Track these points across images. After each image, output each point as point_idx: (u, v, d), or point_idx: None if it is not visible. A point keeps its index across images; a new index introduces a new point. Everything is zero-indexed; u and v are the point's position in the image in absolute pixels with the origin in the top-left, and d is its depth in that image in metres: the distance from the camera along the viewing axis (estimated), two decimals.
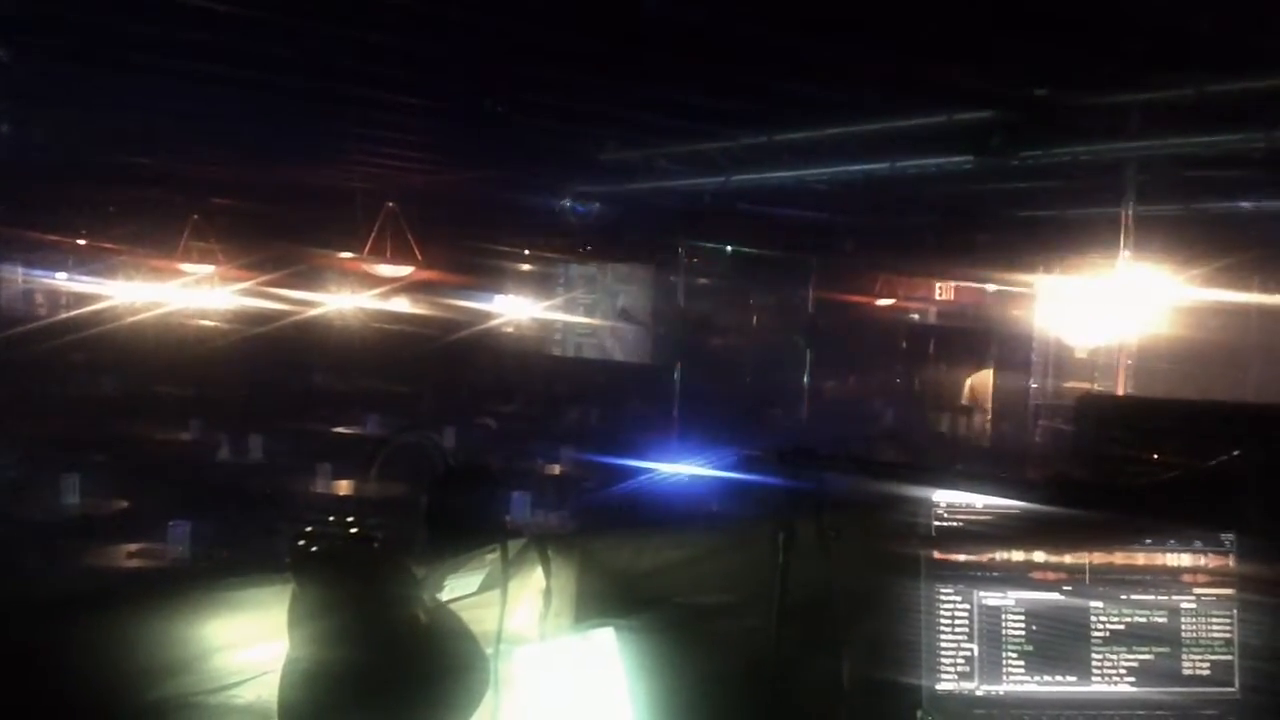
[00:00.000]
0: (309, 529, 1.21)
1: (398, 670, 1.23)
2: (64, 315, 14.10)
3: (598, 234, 12.82)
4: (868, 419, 12.04)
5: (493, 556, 1.52)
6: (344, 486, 7.83)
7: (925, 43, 5.43)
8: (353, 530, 1.24)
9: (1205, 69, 5.57)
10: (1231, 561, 1.93)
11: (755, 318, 12.99)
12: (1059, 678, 1.90)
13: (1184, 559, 1.94)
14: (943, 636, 1.90)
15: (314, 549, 1.20)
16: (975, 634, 1.90)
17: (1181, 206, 7.88)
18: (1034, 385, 9.79)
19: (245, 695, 1.36)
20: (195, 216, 12.67)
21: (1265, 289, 8.71)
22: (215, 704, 1.35)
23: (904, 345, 12.01)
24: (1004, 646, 1.90)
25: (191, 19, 5.55)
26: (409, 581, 1.28)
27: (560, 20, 5.46)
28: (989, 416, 10.50)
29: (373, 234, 11.58)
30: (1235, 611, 1.92)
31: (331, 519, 1.23)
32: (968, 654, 1.90)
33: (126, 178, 11.30)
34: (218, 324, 13.90)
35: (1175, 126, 6.18)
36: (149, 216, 12.82)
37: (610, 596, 1.76)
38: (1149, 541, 1.94)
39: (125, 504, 7.11)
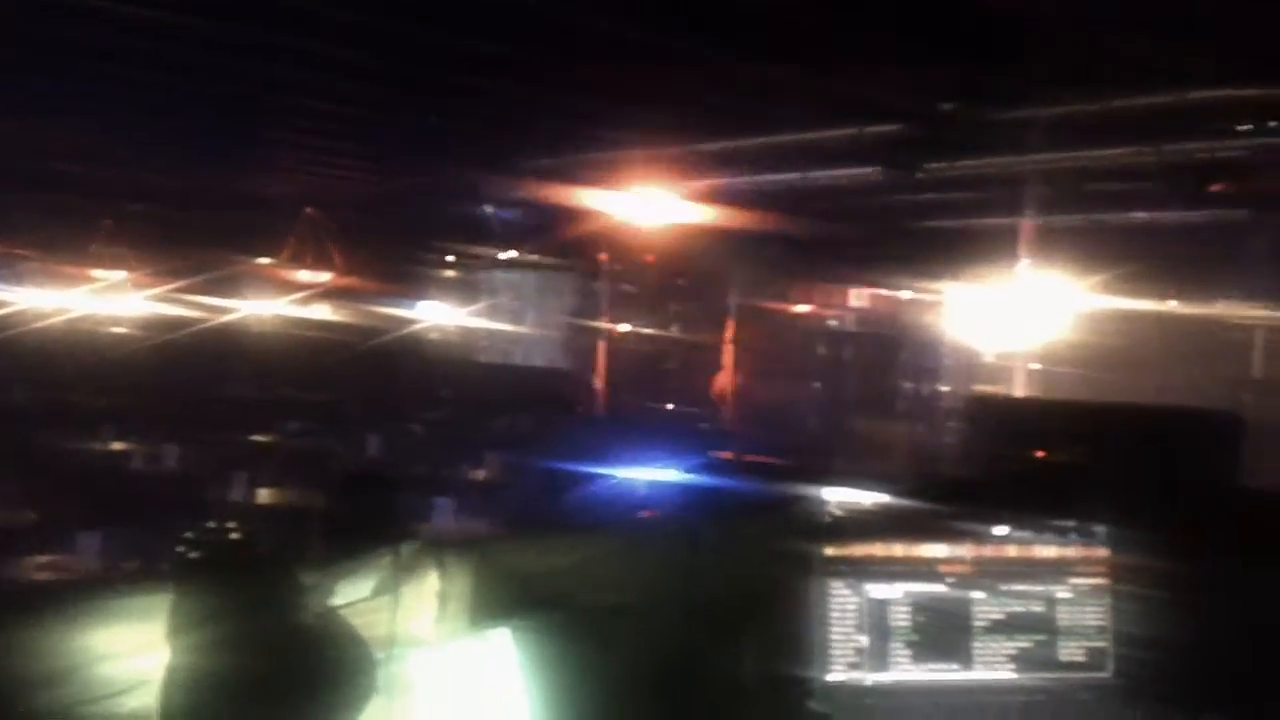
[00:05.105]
0: (189, 535, 1.20)
1: (279, 676, 1.22)
2: None
3: (520, 241, 12.82)
4: (783, 421, 12.15)
5: (387, 560, 1.54)
6: (260, 495, 7.72)
7: (836, 58, 5.56)
8: (235, 535, 1.23)
9: (1101, 86, 5.78)
10: (1104, 552, 2.00)
11: (676, 324, 13.10)
12: (944, 666, 1.96)
13: (1059, 551, 2.01)
14: (833, 629, 1.95)
15: (194, 555, 1.20)
16: (864, 626, 1.96)
17: (1081, 217, 8.13)
18: (945, 389, 10.02)
19: (128, 704, 1.33)
20: (108, 222, 12.40)
21: (1162, 296, 9.01)
22: (96, 713, 1.32)
23: (820, 350, 12.17)
24: (891, 637, 1.96)
25: (106, 22, 5.48)
26: (294, 586, 1.28)
27: (480, 28, 5.49)
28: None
29: (291, 240, 11.45)
30: (1108, 600, 1.99)
31: (213, 524, 1.23)
32: (857, 645, 1.95)
33: (36, 182, 11.03)
34: (131, 331, 13.58)
35: (1073, 141, 6.39)
36: (60, 222, 12.51)
37: (508, 598, 1.76)
38: (1027, 534, 2.01)
39: (34, 515, 6.94)
